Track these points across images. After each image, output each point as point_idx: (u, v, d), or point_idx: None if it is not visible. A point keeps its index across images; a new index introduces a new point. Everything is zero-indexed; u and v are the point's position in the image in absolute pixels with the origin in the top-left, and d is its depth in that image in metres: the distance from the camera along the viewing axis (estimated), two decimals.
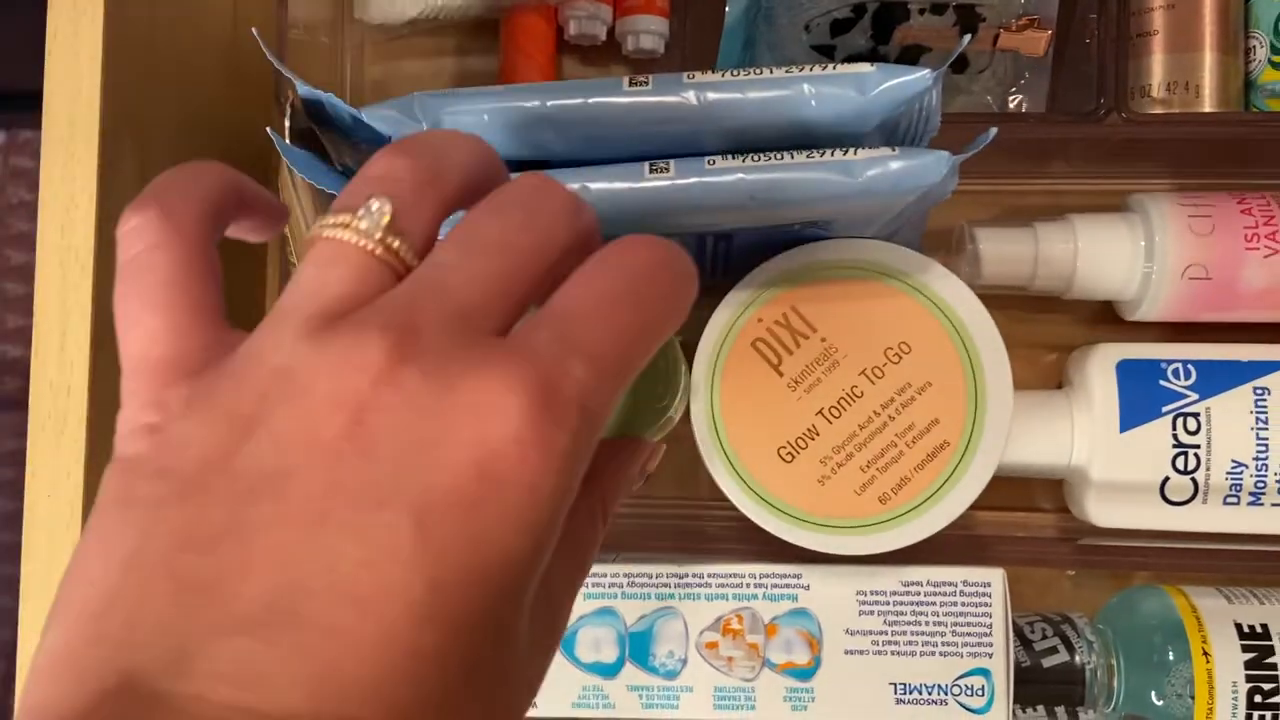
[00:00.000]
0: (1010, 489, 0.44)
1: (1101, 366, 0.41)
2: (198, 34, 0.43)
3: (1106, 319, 0.44)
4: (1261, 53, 0.41)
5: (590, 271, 0.21)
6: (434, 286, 0.20)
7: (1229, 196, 0.40)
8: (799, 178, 0.32)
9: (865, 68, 0.32)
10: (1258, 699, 0.37)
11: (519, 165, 0.34)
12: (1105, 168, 0.42)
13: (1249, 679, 0.37)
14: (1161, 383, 0.40)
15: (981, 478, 0.36)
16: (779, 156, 0.32)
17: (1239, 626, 0.38)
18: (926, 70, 0.31)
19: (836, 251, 0.37)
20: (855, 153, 0.32)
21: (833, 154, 0.32)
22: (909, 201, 0.33)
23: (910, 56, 0.43)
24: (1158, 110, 0.41)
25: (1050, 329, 0.45)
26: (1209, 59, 0.41)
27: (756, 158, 0.32)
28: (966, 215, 0.43)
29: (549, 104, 0.32)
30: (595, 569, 0.39)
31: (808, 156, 0.32)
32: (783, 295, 0.37)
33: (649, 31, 0.45)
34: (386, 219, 0.20)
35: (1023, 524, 0.45)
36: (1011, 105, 0.44)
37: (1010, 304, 0.43)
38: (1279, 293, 0.40)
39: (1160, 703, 0.38)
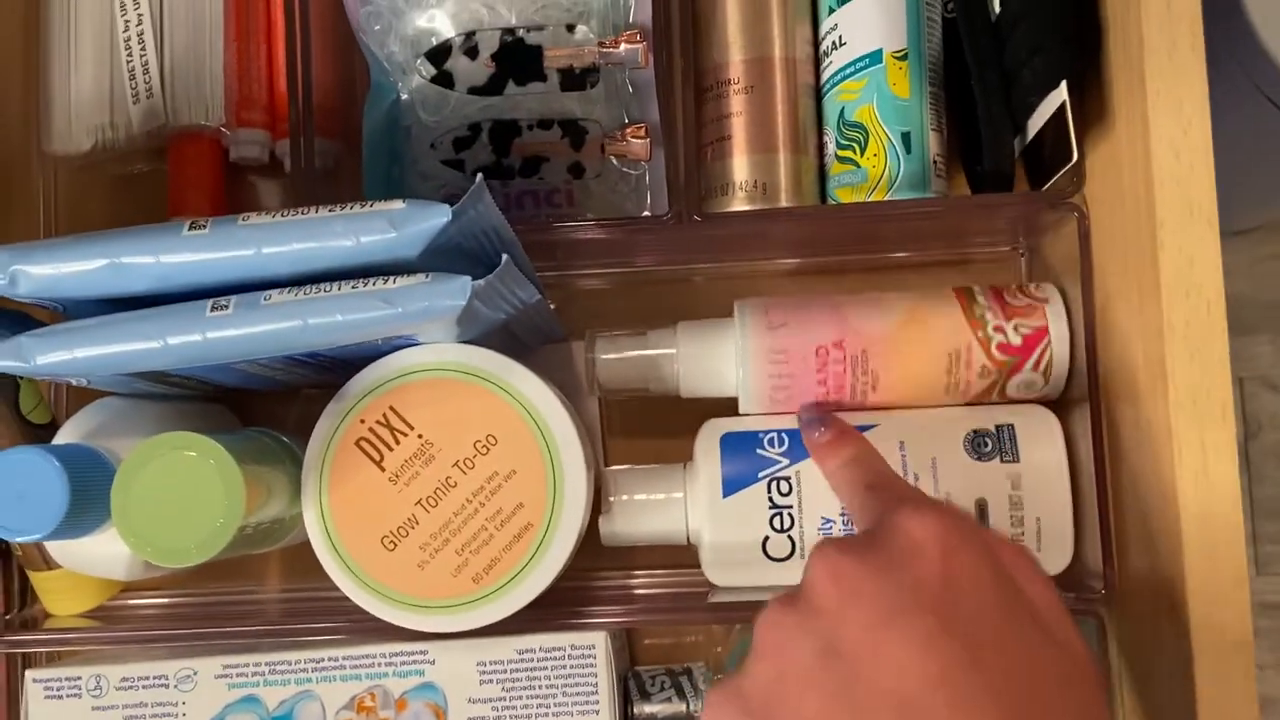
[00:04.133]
0: (669, 551, 0.48)
1: (707, 440, 0.45)
2: None
3: None
4: (831, 148, 0.46)
5: None
6: None
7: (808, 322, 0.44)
8: (345, 306, 0.36)
9: (396, 204, 0.36)
10: None
11: (103, 303, 0.37)
12: (706, 254, 0.46)
13: None
14: (758, 451, 0.45)
15: (563, 553, 0.40)
16: (329, 288, 0.36)
17: None
18: (445, 205, 0.36)
19: (428, 355, 0.41)
20: (394, 281, 0.36)
21: (374, 283, 0.36)
22: (450, 318, 0.37)
23: (533, 165, 0.48)
24: (743, 207, 0.46)
25: None
26: (783, 158, 0.45)
27: (310, 290, 0.36)
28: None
29: (114, 252, 0.36)
30: (237, 660, 0.42)
31: (353, 287, 0.36)
32: (382, 397, 0.41)
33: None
34: None
35: (685, 583, 0.49)
36: (632, 205, 0.48)
37: None
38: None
39: None
